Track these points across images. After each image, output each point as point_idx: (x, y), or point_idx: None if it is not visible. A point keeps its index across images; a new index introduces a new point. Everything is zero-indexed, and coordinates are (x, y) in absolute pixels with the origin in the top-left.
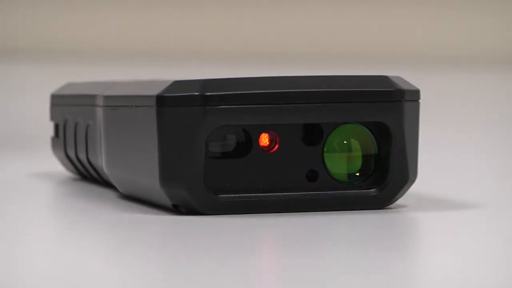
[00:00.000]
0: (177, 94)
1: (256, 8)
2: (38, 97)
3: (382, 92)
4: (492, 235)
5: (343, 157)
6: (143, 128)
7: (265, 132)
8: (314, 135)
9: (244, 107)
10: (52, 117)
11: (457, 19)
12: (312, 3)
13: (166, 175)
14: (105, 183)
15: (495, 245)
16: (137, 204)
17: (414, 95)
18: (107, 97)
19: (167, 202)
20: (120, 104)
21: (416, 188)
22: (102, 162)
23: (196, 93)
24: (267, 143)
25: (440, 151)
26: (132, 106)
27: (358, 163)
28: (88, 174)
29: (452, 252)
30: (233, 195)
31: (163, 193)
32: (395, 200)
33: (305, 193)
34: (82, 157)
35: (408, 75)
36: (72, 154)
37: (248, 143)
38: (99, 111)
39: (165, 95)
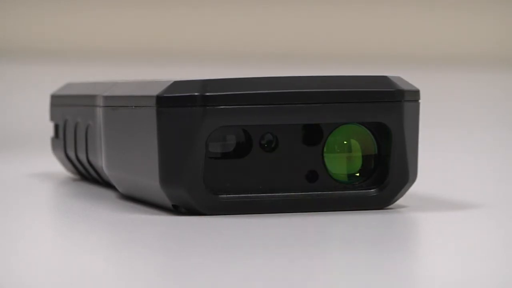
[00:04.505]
0: (177, 94)
1: (256, 8)
2: (38, 97)
3: (382, 93)
4: (492, 235)
5: (343, 158)
6: (143, 128)
7: (266, 133)
8: (314, 135)
9: (244, 107)
10: (52, 117)
11: (457, 19)
12: (312, 3)
13: (166, 175)
14: (105, 183)
15: (495, 245)
16: (137, 204)
17: (414, 95)
18: (107, 98)
19: (167, 202)
20: (120, 105)
21: (416, 188)
22: (102, 163)
23: (196, 93)
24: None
25: (440, 151)
26: (132, 106)
27: (358, 164)
28: (88, 175)
29: (452, 252)
30: (233, 195)
31: (163, 193)
32: (395, 200)
33: (305, 193)
34: (82, 157)
35: (408, 75)
36: (72, 154)
37: (248, 143)
38: (99, 112)
39: (165, 95)
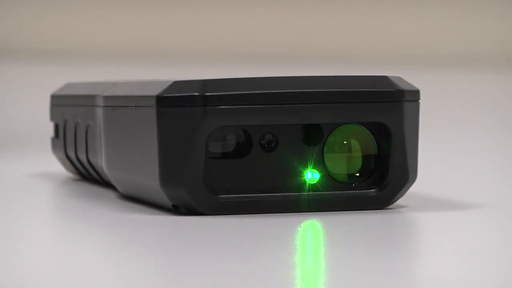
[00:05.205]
0: (177, 94)
1: (256, 8)
2: (38, 97)
3: (382, 93)
4: (493, 235)
5: (343, 158)
6: (143, 128)
7: (266, 132)
8: (314, 135)
9: (244, 107)
10: (52, 117)
11: (458, 19)
12: (312, 3)
13: (166, 175)
14: (105, 183)
15: (495, 245)
16: (137, 204)
17: (414, 95)
18: (107, 97)
19: (167, 202)
20: (120, 104)
21: (416, 188)
22: (102, 163)
23: (196, 93)
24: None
25: (440, 151)
26: (132, 106)
27: (358, 164)
28: (88, 175)
29: (452, 252)
30: (233, 195)
31: (163, 193)
32: (395, 200)
33: (305, 193)
34: (82, 157)
35: (408, 75)
36: (72, 154)
37: (248, 143)
38: (99, 111)
39: (165, 95)
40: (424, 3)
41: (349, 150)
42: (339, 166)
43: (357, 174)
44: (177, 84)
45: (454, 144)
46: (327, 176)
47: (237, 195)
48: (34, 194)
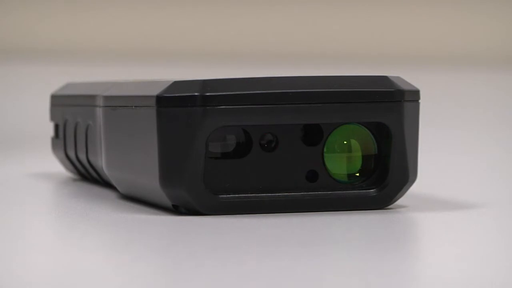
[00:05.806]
0: (177, 95)
1: (256, 8)
2: (38, 97)
3: (382, 93)
4: (493, 235)
5: (343, 158)
6: (143, 128)
7: (266, 133)
8: (314, 135)
9: (244, 107)
10: (52, 117)
11: (457, 19)
12: (311, 3)
13: (166, 175)
14: (105, 183)
15: (496, 245)
16: (137, 204)
17: (414, 95)
18: (107, 97)
19: (167, 202)
20: (120, 104)
21: (416, 188)
22: (102, 163)
23: (196, 93)
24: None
25: (440, 151)
26: (132, 106)
27: (358, 164)
28: (88, 175)
29: (452, 252)
30: (233, 195)
31: (163, 193)
32: (395, 200)
33: (305, 193)
34: (82, 157)
35: (408, 75)
36: (72, 154)
37: (248, 143)
38: (99, 111)
39: (165, 95)
40: (424, 3)
41: (349, 150)
42: (339, 166)
43: (357, 174)
44: (177, 84)
45: (454, 144)
46: (327, 176)
47: (237, 195)
48: (34, 194)
